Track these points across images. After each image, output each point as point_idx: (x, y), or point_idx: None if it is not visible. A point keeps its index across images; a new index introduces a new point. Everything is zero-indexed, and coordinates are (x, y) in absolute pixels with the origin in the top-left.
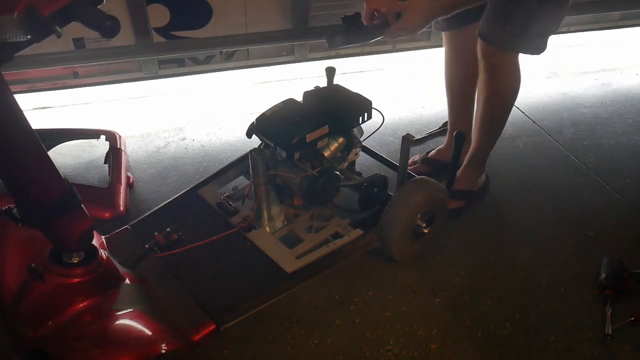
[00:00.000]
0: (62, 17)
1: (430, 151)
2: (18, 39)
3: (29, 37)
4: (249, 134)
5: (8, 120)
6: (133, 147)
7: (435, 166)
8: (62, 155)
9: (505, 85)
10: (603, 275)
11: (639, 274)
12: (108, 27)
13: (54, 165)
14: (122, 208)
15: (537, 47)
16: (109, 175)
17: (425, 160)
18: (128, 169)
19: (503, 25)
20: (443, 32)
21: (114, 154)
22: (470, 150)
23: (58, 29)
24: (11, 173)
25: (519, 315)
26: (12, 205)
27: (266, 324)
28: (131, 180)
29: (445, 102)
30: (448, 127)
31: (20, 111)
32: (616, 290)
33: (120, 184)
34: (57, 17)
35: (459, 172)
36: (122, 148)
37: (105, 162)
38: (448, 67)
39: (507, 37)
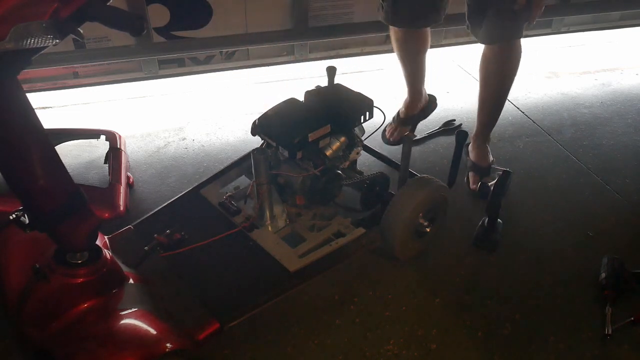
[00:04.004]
0: (80, 18)
1: (399, 111)
2: (46, 44)
3: (57, 41)
4: (253, 132)
5: (24, 126)
6: (133, 147)
7: (412, 121)
8: (62, 155)
9: (515, 65)
10: (603, 275)
11: (639, 274)
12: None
13: (64, 167)
14: (122, 208)
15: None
16: (109, 175)
17: (401, 121)
18: (128, 169)
19: (502, 23)
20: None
21: (114, 154)
22: (482, 129)
23: (80, 30)
24: (24, 177)
25: (519, 315)
26: (20, 213)
27: (266, 324)
28: (131, 180)
29: (444, 102)
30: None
31: (36, 116)
32: (616, 290)
33: (120, 184)
34: (74, 19)
35: (479, 153)
36: (122, 148)
37: (105, 162)
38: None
39: (512, 29)
